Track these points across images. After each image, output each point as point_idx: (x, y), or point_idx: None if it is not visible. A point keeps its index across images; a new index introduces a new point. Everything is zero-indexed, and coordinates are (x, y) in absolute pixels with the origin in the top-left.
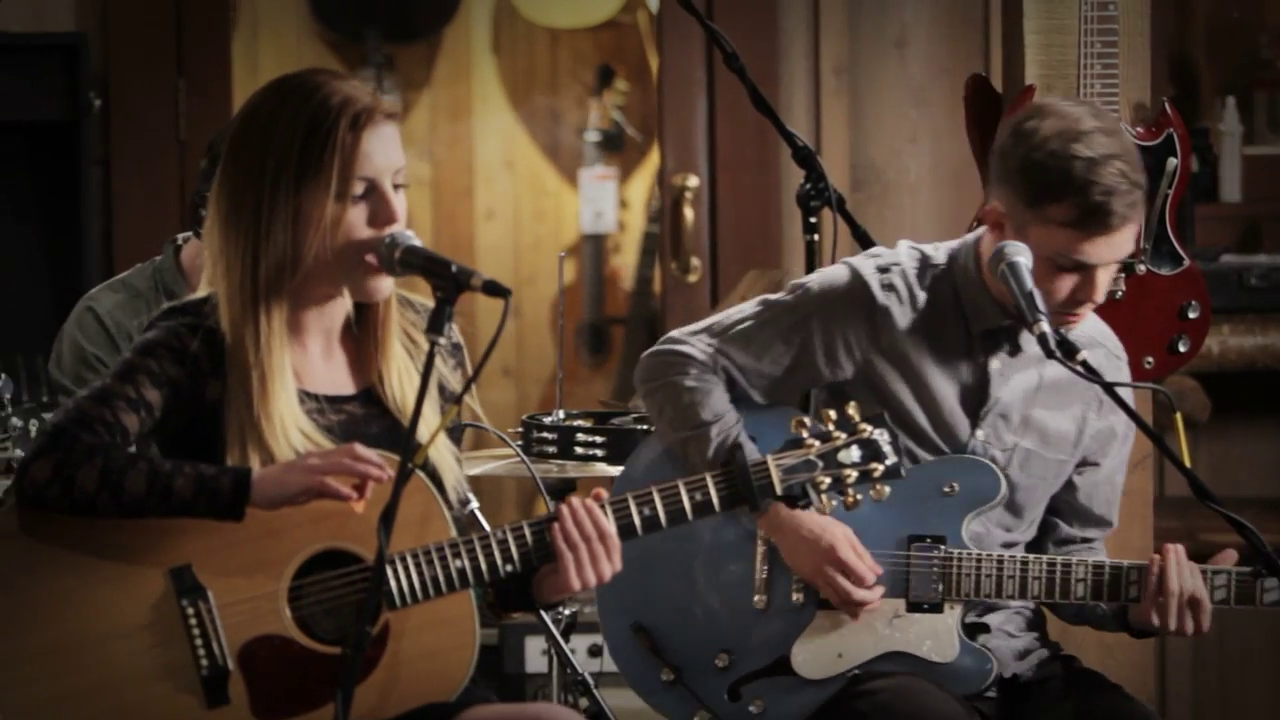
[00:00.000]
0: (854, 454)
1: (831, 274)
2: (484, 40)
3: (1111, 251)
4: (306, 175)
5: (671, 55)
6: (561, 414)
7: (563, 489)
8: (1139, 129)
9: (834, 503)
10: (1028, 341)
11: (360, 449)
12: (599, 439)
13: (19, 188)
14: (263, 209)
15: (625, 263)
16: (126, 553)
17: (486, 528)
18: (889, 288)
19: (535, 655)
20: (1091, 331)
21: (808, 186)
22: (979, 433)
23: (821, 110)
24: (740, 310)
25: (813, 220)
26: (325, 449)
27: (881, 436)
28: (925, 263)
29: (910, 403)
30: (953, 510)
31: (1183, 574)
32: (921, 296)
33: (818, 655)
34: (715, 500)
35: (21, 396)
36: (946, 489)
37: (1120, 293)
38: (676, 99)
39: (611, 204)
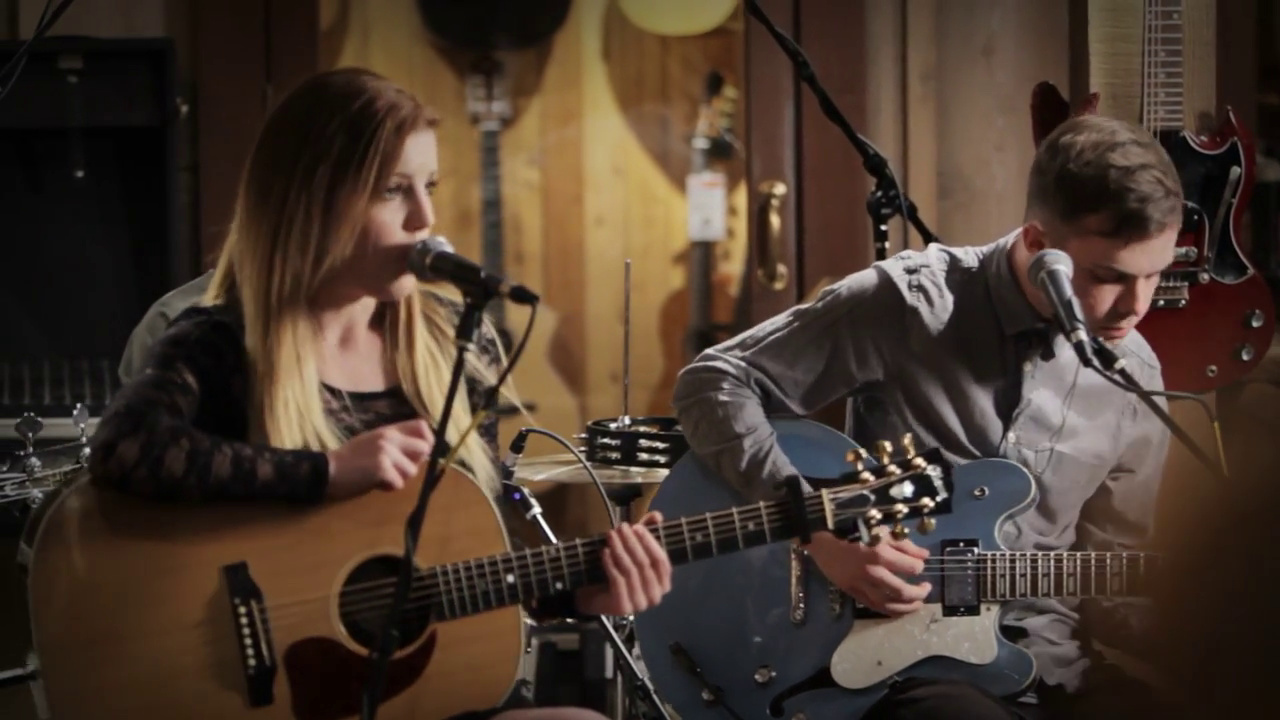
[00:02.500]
0: (906, 489)
1: (861, 278)
2: (594, 47)
3: (1150, 260)
4: (344, 171)
5: (759, 63)
6: (627, 419)
7: (625, 494)
8: (1203, 138)
9: (881, 534)
10: (1060, 346)
11: (428, 431)
12: (661, 445)
13: (107, 192)
14: (289, 199)
15: (733, 270)
16: (184, 547)
17: (550, 536)
18: (917, 288)
19: None
20: (1125, 340)
21: (879, 194)
22: (1011, 435)
23: (909, 117)
24: (773, 322)
25: (883, 228)
26: (399, 425)
27: (934, 472)
28: (955, 265)
29: (942, 403)
30: (984, 513)
31: None
32: (950, 298)
33: (858, 664)
34: (767, 531)
35: (106, 401)
36: (977, 492)
37: (1184, 301)
38: (764, 106)
39: (719, 211)
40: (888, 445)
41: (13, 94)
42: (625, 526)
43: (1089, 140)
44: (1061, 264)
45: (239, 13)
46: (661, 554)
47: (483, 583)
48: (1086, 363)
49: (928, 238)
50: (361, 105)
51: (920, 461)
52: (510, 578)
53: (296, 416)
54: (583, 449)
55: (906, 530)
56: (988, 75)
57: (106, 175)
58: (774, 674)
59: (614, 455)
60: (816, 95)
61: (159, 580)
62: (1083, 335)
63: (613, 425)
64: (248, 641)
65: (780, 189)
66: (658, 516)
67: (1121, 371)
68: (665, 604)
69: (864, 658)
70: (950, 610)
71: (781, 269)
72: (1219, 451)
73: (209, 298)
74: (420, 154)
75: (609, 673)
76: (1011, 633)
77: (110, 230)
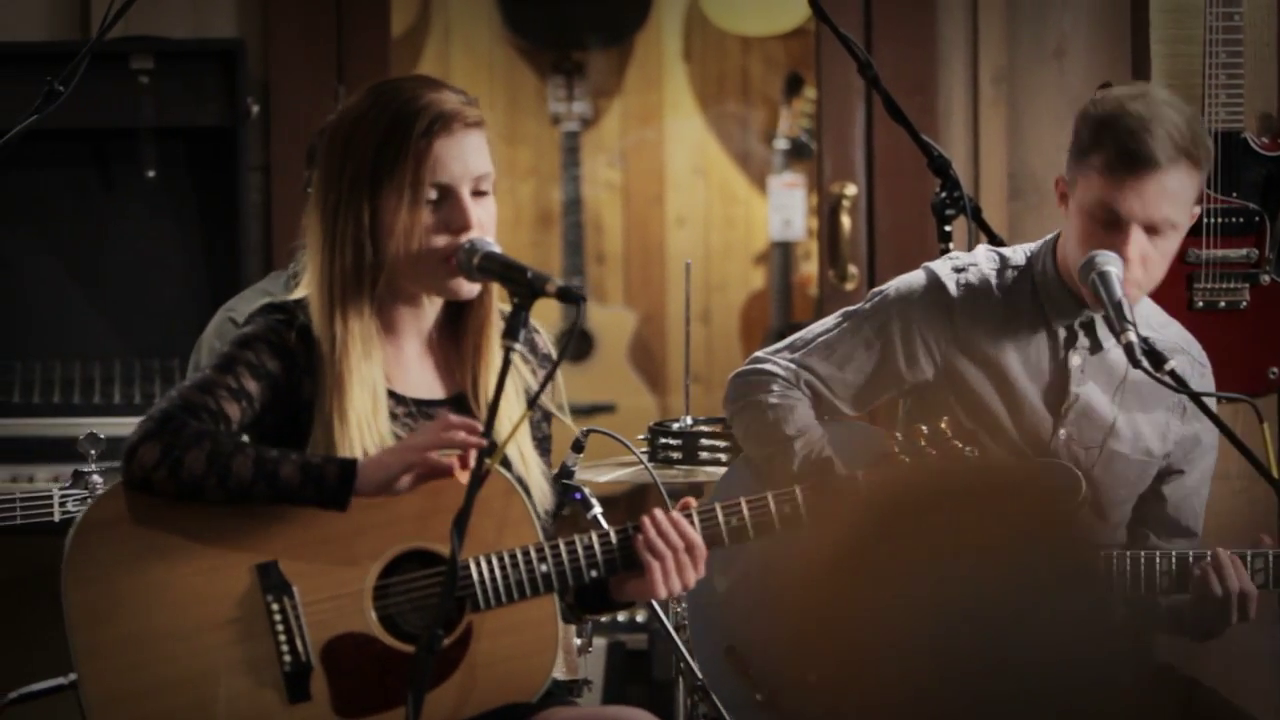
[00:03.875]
0: None
1: (909, 278)
2: (675, 48)
3: (1143, 204)
4: (382, 179)
5: (830, 64)
6: (689, 419)
7: (686, 494)
8: (1264, 139)
9: None
10: (1108, 338)
11: (452, 418)
12: (723, 444)
13: (178, 192)
14: (340, 210)
15: (814, 270)
16: (215, 547)
17: (609, 530)
18: (966, 286)
19: None
20: (1175, 338)
21: (943, 195)
22: (1062, 431)
23: (980, 119)
24: (821, 324)
25: (947, 229)
26: (424, 426)
27: (973, 453)
28: (1004, 262)
29: (993, 400)
30: None
31: (1228, 578)
32: (998, 295)
33: None
34: (804, 512)
35: None
36: None
37: (1244, 303)
38: (835, 107)
39: (800, 211)
40: (924, 428)
41: (84, 94)
42: (659, 512)
43: (1120, 91)
44: (1112, 265)
45: (311, 12)
46: (696, 538)
47: (516, 573)
48: (1135, 364)
49: (992, 239)
50: (396, 112)
51: (958, 443)
52: (544, 567)
53: (362, 423)
54: (645, 450)
55: None
56: (1059, 77)
57: (177, 175)
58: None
59: (676, 455)
60: (880, 96)
61: (190, 580)
62: (1133, 336)
63: (675, 425)
64: (282, 638)
65: (851, 190)
66: (691, 501)
67: (1171, 373)
68: (720, 606)
69: None
70: None
71: (853, 269)
72: (1269, 453)
73: (300, 290)
74: (459, 159)
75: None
76: None
77: (181, 230)
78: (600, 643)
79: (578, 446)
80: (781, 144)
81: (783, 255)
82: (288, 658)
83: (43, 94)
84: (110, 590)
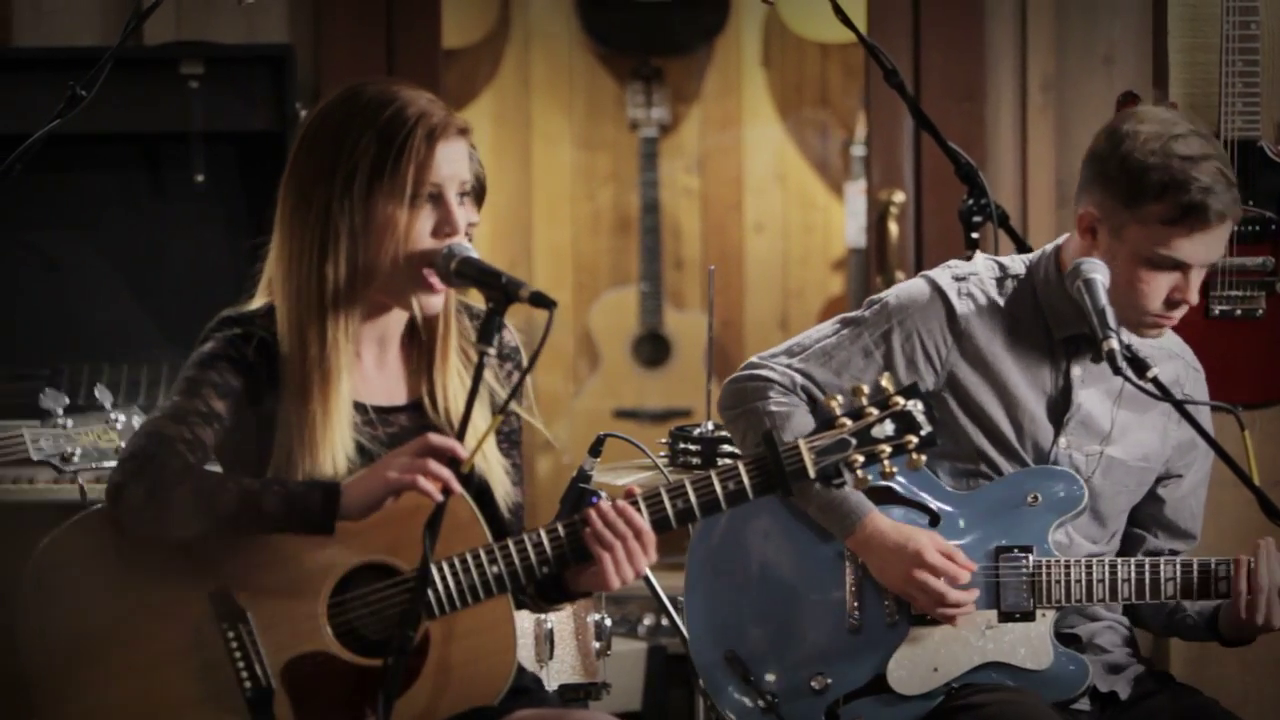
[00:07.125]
0: (888, 428)
1: (909, 287)
2: (754, 54)
3: (1207, 250)
4: (379, 180)
5: (877, 72)
6: (710, 425)
7: None
8: None
9: (870, 476)
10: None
11: (433, 439)
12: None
13: (227, 196)
14: (331, 211)
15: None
16: (168, 580)
17: (557, 525)
18: (967, 296)
19: None
20: (1169, 344)
21: (970, 202)
22: (1062, 439)
23: (1028, 126)
24: (819, 329)
25: (974, 236)
26: (403, 447)
27: (915, 407)
28: (1004, 272)
29: (994, 409)
30: (1038, 519)
31: (1273, 566)
32: (1000, 304)
33: (913, 671)
34: (748, 487)
35: None
36: (1030, 499)
37: (1260, 311)
38: (883, 115)
39: None
40: (865, 387)
41: (135, 99)
42: (604, 503)
43: (1152, 130)
44: (1098, 273)
45: (361, 18)
46: (643, 524)
47: (469, 577)
48: (1117, 371)
49: (1020, 245)
50: (392, 114)
51: (899, 399)
52: (495, 568)
53: (326, 432)
54: (662, 455)
55: (895, 469)
56: (1108, 84)
57: (227, 180)
58: (830, 680)
59: (695, 460)
60: (906, 104)
61: (148, 615)
62: (1114, 344)
63: (695, 430)
64: (240, 665)
65: (899, 197)
66: (635, 489)
67: (1154, 380)
68: (721, 612)
69: (920, 664)
70: (1006, 616)
71: (900, 276)
72: (1250, 461)
73: (257, 299)
74: (451, 162)
75: None
76: (1065, 640)
77: (230, 234)
78: (641, 647)
79: (595, 451)
80: (859, 150)
81: (860, 261)
82: (248, 684)
83: (65, 98)
84: (73, 632)
